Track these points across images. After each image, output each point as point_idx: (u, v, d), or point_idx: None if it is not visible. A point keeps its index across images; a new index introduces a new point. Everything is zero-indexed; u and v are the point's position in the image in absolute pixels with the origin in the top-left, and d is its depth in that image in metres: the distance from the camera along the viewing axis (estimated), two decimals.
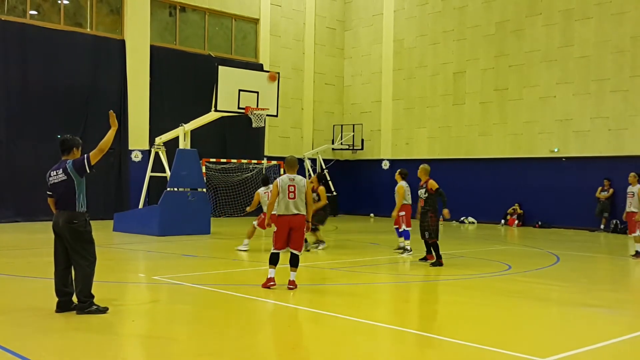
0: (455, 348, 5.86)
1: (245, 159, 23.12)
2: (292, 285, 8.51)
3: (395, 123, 26.72)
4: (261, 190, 13.17)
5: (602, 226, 20.12)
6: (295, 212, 8.45)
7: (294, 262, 8.58)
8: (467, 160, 24.14)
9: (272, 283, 8.52)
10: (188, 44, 24.01)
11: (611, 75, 20.61)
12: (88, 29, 21.51)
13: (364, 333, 6.53)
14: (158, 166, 18.56)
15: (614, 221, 19.90)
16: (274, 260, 8.56)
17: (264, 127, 20.54)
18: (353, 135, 27.27)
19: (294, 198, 8.44)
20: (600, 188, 20.33)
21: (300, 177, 8.60)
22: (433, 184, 11.29)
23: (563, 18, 21.80)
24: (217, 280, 9.36)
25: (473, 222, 23.68)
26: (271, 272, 8.55)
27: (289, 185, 8.46)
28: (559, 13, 21.90)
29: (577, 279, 10.64)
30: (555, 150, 21.83)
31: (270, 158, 24.65)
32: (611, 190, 20.07)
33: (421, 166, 11.62)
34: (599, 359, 5.75)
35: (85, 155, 6.77)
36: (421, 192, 11.39)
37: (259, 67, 23.79)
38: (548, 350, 5.76)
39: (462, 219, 23.96)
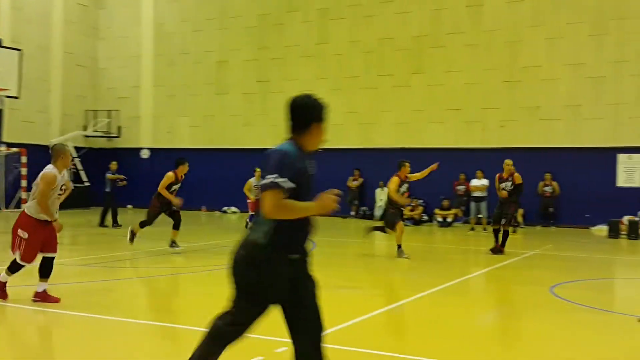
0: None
1: None
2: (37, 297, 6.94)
3: (156, 110, 25.62)
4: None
5: (352, 213, 21.65)
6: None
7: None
8: (232, 150, 24.06)
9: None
10: None
11: (361, 73, 22.22)
12: None
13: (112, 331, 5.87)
14: None
15: (363, 208, 21.58)
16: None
17: (2, 109, 18.02)
18: (109, 121, 25.46)
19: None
20: (351, 177, 21.87)
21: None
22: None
23: (319, 16, 22.91)
24: None
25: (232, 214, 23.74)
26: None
27: None
28: (316, 11, 22.96)
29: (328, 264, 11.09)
30: None
31: (10, 145, 21.76)
32: (360, 180, 21.73)
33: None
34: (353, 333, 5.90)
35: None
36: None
37: None
38: None
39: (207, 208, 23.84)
